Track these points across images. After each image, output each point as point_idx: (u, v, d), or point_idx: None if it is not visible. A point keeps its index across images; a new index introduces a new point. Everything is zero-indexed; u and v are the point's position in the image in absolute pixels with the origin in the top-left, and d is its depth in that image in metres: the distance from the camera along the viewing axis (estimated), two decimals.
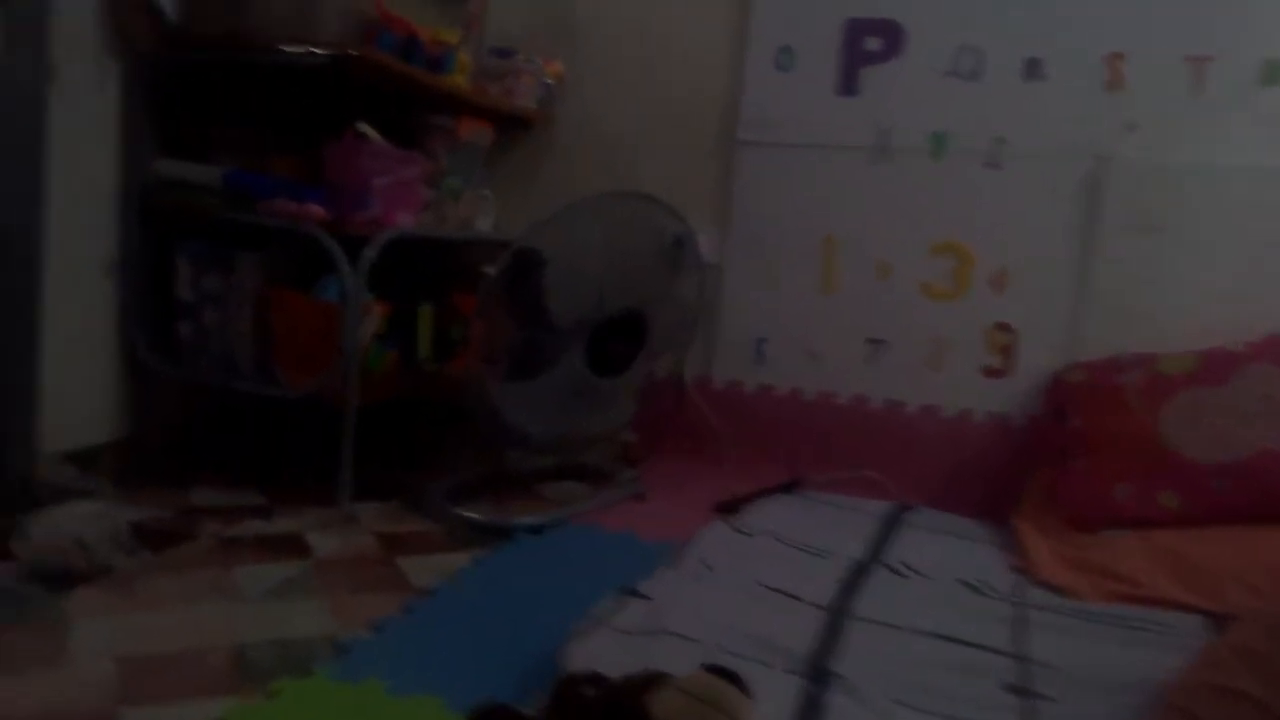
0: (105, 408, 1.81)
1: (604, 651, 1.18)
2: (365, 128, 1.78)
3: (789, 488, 2.06)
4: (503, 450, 2.14)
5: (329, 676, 1.15)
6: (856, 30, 2.15)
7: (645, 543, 1.72)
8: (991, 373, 2.12)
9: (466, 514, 1.78)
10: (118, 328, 1.81)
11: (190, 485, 1.83)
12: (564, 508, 1.88)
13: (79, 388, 1.74)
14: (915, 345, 2.17)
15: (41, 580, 1.33)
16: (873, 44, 2.14)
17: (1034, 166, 2.05)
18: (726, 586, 1.46)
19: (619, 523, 1.83)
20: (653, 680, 0.97)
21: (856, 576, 1.56)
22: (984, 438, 2.10)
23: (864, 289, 2.19)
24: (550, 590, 1.48)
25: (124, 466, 1.80)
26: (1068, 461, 1.86)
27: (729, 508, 1.91)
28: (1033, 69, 2.05)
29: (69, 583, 1.34)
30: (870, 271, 2.18)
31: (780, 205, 2.23)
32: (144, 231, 1.81)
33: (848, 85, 2.16)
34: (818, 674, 1.18)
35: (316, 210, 1.71)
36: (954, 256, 2.13)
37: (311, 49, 1.68)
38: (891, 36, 2.13)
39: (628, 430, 2.26)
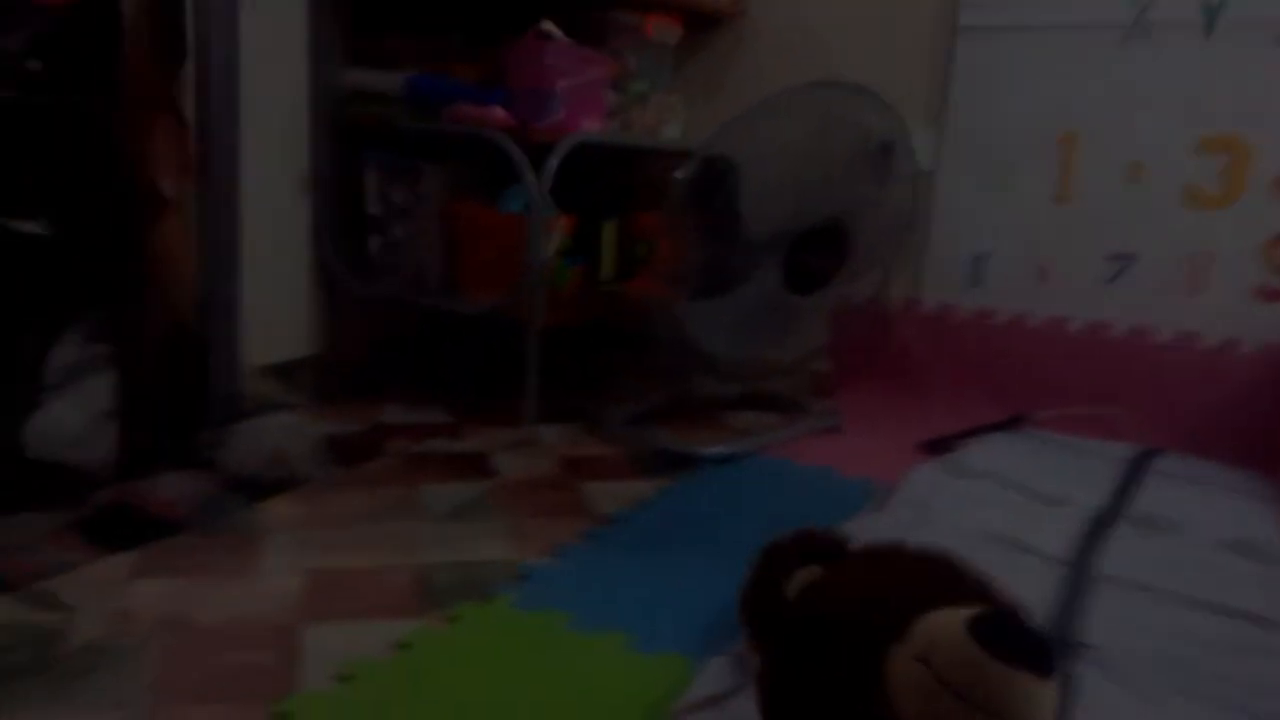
0: (301, 323, 1.83)
1: None
2: (549, 26, 1.66)
3: (1009, 425, 1.83)
4: (687, 376, 2.03)
5: (510, 604, 1.09)
6: None
7: (844, 479, 1.57)
8: (1269, 294, 1.77)
9: (653, 440, 1.69)
10: (311, 243, 1.82)
11: (380, 402, 1.84)
12: (754, 438, 1.75)
13: (277, 304, 1.77)
14: (1171, 261, 1.84)
15: (241, 490, 1.35)
16: None
17: None
18: (943, 533, 1.28)
19: (811, 457, 1.68)
20: (896, 626, 0.64)
21: (1098, 529, 1.34)
22: (1253, 372, 1.77)
23: (1109, 195, 1.87)
24: (740, 526, 1.36)
25: (319, 382, 1.83)
26: None
27: (940, 446, 1.71)
28: None
29: (267, 493, 1.36)
30: (1118, 174, 1.86)
31: (1009, 99, 1.93)
32: (333, 144, 1.80)
33: None
34: (1063, 642, 1.00)
35: (500, 114, 1.62)
36: (1226, 153, 1.77)
37: None
38: None
39: (821, 357, 2.08)
